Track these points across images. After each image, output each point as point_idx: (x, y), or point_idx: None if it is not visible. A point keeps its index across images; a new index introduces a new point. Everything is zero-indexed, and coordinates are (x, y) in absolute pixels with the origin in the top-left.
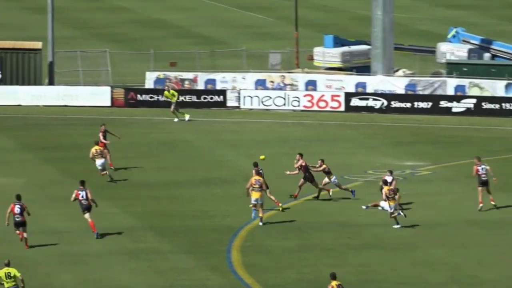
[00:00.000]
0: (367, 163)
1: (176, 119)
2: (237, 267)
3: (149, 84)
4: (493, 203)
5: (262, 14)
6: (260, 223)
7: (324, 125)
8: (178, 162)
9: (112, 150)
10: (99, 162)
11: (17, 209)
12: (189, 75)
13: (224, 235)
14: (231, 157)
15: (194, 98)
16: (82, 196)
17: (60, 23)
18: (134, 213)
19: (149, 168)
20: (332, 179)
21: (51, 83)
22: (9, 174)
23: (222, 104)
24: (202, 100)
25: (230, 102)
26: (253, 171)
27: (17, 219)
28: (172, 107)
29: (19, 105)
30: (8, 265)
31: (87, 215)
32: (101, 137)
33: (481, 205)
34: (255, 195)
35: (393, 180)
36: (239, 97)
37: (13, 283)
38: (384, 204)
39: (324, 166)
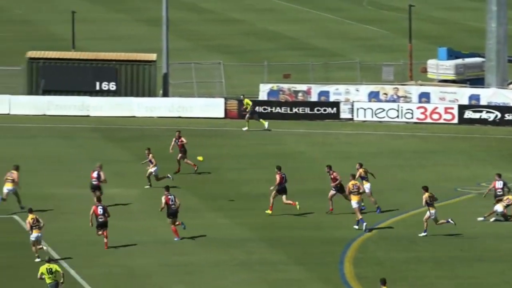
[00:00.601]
0: (480, 175)
1: (245, 128)
2: (349, 279)
3: (262, 95)
4: None
5: (375, 26)
6: (365, 231)
7: (437, 137)
8: (290, 174)
9: (226, 162)
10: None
11: (100, 210)
12: (303, 87)
13: (336, 246)
14: (344, 169)
15: (307, 110)
16: (172, 200)
17: (174, 35)
18: (246, 224)
19: (261, 179)
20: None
21: (165, 94)
22: (123, 185)
23: (336, 116)
24: (316, 112)
25: (344, 114)
26: (350, 177)
27: (100, 219)
28: (247, 116)
29: (133, 116)
30: (49, 261)
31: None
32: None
33: None
34: (354, 199)
35: (504, 185)
36: (352, 109)
37: (54, 279)
38: (498, 207)
39: (360, 170)
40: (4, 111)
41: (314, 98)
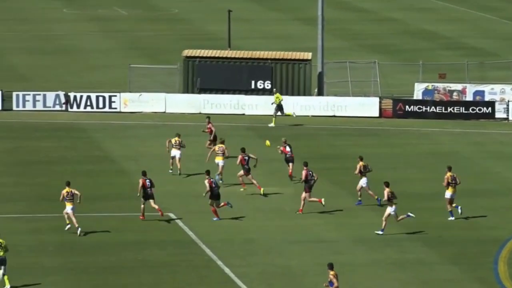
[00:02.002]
0: None
1: (271, 124)
2: (503, 279)
3: (417, 95)
4: None
5: None
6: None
7: None
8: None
9: (381, 161)
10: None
11: (148, 183)
12: (458, 87)
13: (491, 246)
14: (499, 168)
15: (462, 110)
16: (214, 184)
17: (329, 34)
18: (402, 224)
19: (417, 179)
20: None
21: (320, 93)
22: (277, 183)
23: (490, 115)
24: (471, 111)
25: (499, 114)
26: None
27: (148, 191)
28: (274, 111)
29: (288, 115)
30: None
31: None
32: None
33: None
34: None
35: None
36: (507, 108)
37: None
38: None
39: (360, 163)
40: (160, 109)
41: (469, 97)
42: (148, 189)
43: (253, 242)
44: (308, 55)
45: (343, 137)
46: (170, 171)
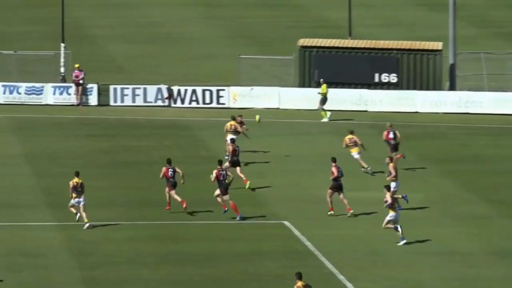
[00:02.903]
0: None
1: (324, 119)
2: None
3: None
4: None
5: None
6: None
7: None
8: None
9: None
10: None
11: (170, 172)
12: None
13: None
14: None
15: None
16: (223, 176)
17: (462, 21)
18: None
19: None
20: None
21: (452, 88)
22: (406, 188)
23: None
24: None
25: None
26: None
27: (171, 181)
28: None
29: (416, 112)
30: None
31: (226, 196)
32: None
33: None
34: None
35: None
36: None
37: None
38: None
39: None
40: (273, 105)
41: None
42: (171, 179)
43: (377, 253)
44: (438, 45)
45: (478, 137)
46: (226, 157)
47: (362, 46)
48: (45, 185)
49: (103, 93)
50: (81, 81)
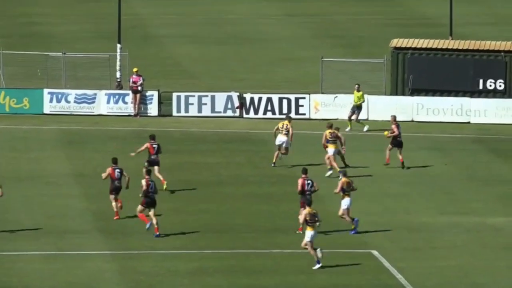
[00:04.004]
0: None
1: (365, 128)
2: None
3: None
4: None
5: None
6: None
7: None
8: None
9: None
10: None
11: (117, 173)
12: None
13: None
14: None
15: None
16: (151, 188)
17: None
18: None
19: None
20: None
21: None
22: (510, 212)
23: None
24: None
25: None
26: None
27: (116, 183)
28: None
29: None
30: None
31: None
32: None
33: None
34: None
35: None
36: None
37: None
38: None
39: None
40: (361, 116)
41: None
42: (116, 181)
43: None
44: None
45: None
46: (273, 165)
47: (465, 47)
48: (96, 209)
49: (164, 102)
50: (139, 88)
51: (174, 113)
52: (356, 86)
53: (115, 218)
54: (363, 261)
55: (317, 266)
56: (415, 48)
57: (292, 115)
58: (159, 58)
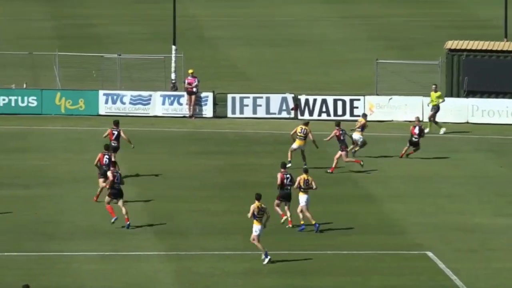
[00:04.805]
0: None
1: (442, 130)
2: None
3: None
4: None
5: None
6: None
7: None
8: None
9: None
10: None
11: (105, 160)
12: None
13: None
14: None
15: None
16: (117, 179)
17: None
18: None
19: None
20: None
21: None
22: None
23: None
24: None
25: None
26: None
27: (105, 168)
28: (431, 113)
29: None
30: None
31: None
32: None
33: None
34: None
35: None
36: None
37: None
38: None
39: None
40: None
41: None
42: (105, 167)
43: None
44: None
45: None
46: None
47: None
48: (152, 209)
49: (219, 103)
50: (194, 89)
51: (229, 114)
52: (434, 86)
53: (94, 199)
54: (418, 262)
55: (266, 260)
56: (470, 50)
57: (347, 116)
58: (214, 59)
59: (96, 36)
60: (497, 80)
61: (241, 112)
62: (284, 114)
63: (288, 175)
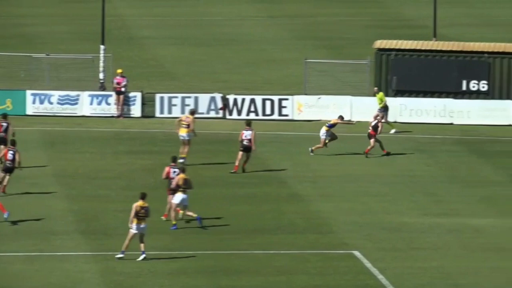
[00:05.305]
0: None
1: (392, 130)
2: None
3: None
4: None
5: None
6: None
7: None
8: None
9: None
10: None
11: (10, 155)
12: None
13: None
14: None
15: None
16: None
17: None
18: None
19: None
20: None
21: None
22: (494, 214)
23: None
24: None
25: None
26: None
27: (8, 164)
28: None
29: (510, 125)
30: None
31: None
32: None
33: None
34: None
35: None
36: None
37: None
38: None
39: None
40: (346, 116)
41: None
42: (8, 162)
43: None
44: None
45: None
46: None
47: (448, 48)
48: (78, 209)
49: (148, 103)
50: (123, 89)
51: (157, 114)
52: (375, 88)
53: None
54: (344, 261)
55: (141, 257)
56: (398, 50)
57: (275, 116)
58: (142, 59)
59: (24, 36)
60: (426, 80)
61: (170, 111)
62: (212, 114)
63: (175, 169)
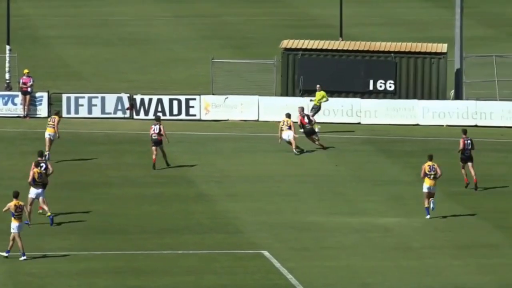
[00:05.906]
0: None
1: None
2: None
3: None
4: None
5: None
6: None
7: None
8: None
9: None
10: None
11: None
12: None
13: None
14: None
15: None
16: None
17: (470, 20)
18: None
19: None
20: None
21: (457, 96)
22: (402, 213)
23: None
24: None
25: None
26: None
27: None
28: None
29: (417, 125)
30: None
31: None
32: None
33: None
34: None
35: None
36: None
37: None
38: None
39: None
40: (252, 117)
41: None
42: None
43: None
44: (442, 47)
45: (487, 153)
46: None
47: (355, 48)
48: None
49: (54, 103)
50: (29, 89)
51: (64, 114)
52: (318, 86)
53: None
54: (253, 261)
55: (23, 257)
56: (305, 49)
57: (183, 116)
58: (47, 59)
59: None
60: (333, 80)
61: (76, 112)
62: (119, 114)
63: (44, 165)
